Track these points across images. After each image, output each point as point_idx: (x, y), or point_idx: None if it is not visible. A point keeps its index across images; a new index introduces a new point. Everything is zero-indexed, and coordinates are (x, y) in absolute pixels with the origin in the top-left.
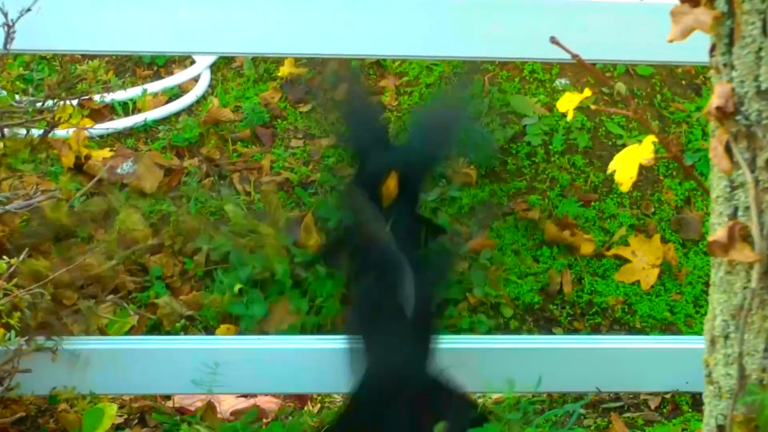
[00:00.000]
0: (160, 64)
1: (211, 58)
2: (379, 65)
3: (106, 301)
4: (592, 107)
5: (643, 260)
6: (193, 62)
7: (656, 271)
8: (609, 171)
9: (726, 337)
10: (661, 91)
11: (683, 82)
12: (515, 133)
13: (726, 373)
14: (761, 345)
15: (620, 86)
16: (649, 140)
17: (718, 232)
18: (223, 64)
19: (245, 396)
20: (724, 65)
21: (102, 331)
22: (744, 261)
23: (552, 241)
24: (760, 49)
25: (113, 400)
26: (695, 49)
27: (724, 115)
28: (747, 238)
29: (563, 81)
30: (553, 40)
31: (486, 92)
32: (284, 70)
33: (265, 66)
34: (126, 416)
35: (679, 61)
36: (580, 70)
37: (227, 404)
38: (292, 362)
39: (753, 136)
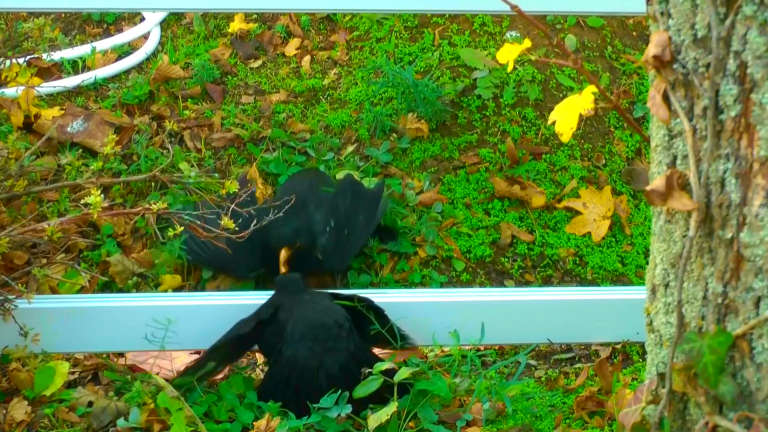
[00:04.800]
0: (110, 22)
1: (161, 15)
2: (330, 20)
3: (57, 262)
4: (532, 57)
5: (594, 212)
6: (142, 19)
7: (607, 222)
8: (549, 121)
9: (666, 285)
10: (612, 43)
11: (634, 33)
12: (466, 87)
13: (666, 322)
14: (700, 293)
15: (570, 38)
16: (589, 90)
17: (656, 180)
18: (173, 21)
19: (198, 352)
20: (661, 14)
21: (54, 291)
22: (682, 209)
23: (502, 195)
24: None
25: (66, 359)
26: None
27: (661, 63)
28: (685, 187)
29: (514, 33)
30: None
31: (436, 46)
32: (234, 26)
33: (215, 22)
34: (79, 374)
35: (629, 11)
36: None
37: (180, 361)
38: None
39: (690, 84)
